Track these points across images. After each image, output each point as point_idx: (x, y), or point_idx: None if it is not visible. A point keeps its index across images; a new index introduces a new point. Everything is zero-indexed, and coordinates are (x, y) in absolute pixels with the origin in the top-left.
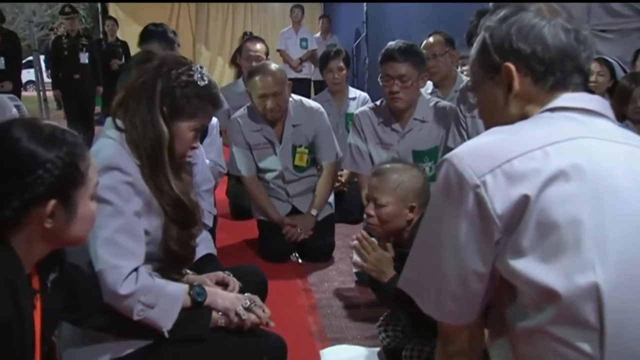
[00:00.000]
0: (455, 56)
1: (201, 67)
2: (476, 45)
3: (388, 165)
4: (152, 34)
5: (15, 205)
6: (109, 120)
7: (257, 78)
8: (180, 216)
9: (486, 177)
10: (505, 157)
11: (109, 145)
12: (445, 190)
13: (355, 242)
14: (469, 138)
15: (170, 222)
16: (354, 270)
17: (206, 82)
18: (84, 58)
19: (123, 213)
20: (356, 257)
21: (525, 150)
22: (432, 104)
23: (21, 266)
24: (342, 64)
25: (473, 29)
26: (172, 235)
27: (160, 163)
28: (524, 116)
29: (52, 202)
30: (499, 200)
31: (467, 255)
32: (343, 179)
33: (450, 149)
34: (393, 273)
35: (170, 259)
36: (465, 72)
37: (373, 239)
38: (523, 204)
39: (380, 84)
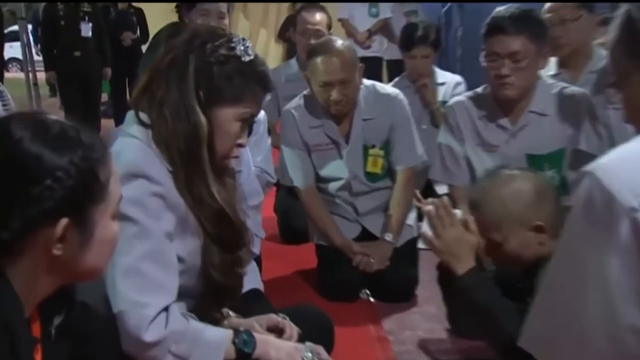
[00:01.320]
0: (594, 23)
1: (244, 39)
2: (616, 23)
3: (482, 188)
4: None
5: (15, 226)
6: (130, 114)
7: (318, 60)
8: (223, 234)
9: None
10: None
11: (132, 146)
12: (587, 215)
13: (430, 206)
14: (611, 139)
15: (211, 243)
16: (420, 245)
17: (252, 57)
18: (87, 30)
19: (151, 234)
20: (426, 228)
21: None
22: (555, 90)
23: (20, 307)
24: (429, 51)
25: None
26: (213, 261)
27: (198, 164)
28: None
29: (64, 221)
30: None
31: (620, 303)
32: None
33: (585, 155)
34: (472, 264)
35: (211, 292)
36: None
37: (457, 211)
38: None
39: (483, 64)
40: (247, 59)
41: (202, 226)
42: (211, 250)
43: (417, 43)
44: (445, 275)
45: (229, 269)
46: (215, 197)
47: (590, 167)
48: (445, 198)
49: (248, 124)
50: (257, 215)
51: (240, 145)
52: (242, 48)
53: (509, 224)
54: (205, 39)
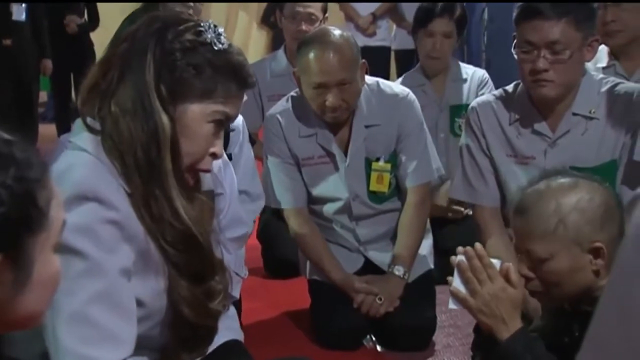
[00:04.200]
0: None
1: (216, 26)
2: None
3: (536, 189)
4: None
5: None
6: (78, 122)
7: (311, 56)
8: (191, 261)
9: None
10: None
11: (81, 162)
12: None
13: (461, 257)
14: None
15: (178, 275)
16: (451, 305)
17: (224, 46)
18: (20, 12)
19: (102, 271)
20: (458, 284)
21: None
22: (605, 88)
23: None
24: (452, 28)
25: None
26: (182, 294)
27: (158, 174)
28: None
29: None
30: None
31: None
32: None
33: None
34: (518, 325)
35: (179, 336)
36: None
37: (496, 260)
38: None
39: (515, 56)
40: (219, 47)
41: (165, 254)
42: (179, 284)
43: (438, 15)
44: (486, 340)
45: (200, 303)
46: (180, 215)
47: None
48: (479, 245)
49: (222, 128)
50: (240, 250)
51: (214, 156)
52: (213, 35)
53: (562, 239)
54: (167, 24)
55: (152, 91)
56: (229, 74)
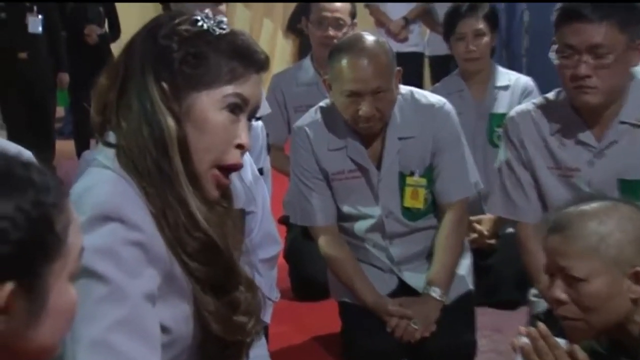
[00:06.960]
0: None
1: (215, 15)
2: None
3: (575, 209)
4: None
5: None
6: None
7: (344, 63)
8: (213, 273)
9: None
10: None
11: (104, 180)
12: None
13: (524, 340)
14: None
15: (202, 291)
16: None
17: (226, 31)
18: (36, 24)
19: (125, 296)
20: None
21: None
22: None
23: None
24: (482, 25)
25: None
26: (209, 309)
27: (168, 178)
28: None
29: (9, 286)
30: None
31: None
32: (484, 229)
33: None
34: None
35: (209, 356)
36: None
37: (561, 340)
38: None
39: (555, 61)
40: (218, 32)
41: (188, 270)
42: (205, 300)
43: (464, 15)
44: None
45: (225, 316)
46: (196, 219)
47: None
48: (542, 325)
49: (242, 114)
50: (271, 271)
51: (240, 147)
52: (212, 23)
53: (602, 258)
54: (160, 22)
55: (154, 93)
56: (232, 55)
